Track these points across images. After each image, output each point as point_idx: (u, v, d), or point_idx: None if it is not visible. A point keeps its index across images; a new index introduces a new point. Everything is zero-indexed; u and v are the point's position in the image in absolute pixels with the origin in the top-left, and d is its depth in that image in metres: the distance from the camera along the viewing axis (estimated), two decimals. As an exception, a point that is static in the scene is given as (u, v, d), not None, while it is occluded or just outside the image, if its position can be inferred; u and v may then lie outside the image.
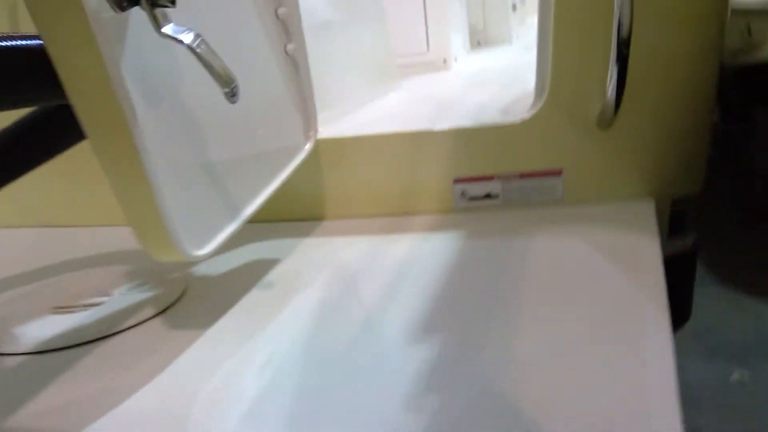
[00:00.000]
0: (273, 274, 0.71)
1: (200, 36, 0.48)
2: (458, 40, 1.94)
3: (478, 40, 2.40)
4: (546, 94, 0.79)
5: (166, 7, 0.47)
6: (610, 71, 0.72)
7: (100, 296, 0.68)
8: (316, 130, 0.80)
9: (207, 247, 0.55)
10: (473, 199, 0.85)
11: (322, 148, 0.86)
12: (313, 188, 0.88)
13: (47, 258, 0.85)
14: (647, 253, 0.67)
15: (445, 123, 0.88)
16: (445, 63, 1.85)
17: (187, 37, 0.48)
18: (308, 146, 0.79)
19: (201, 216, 0.55)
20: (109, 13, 0.44)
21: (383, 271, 0.68)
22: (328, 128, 0.91)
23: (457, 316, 0.57)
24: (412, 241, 0.77)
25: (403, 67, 1.85)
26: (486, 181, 0.84)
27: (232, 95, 0.62)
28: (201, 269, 0.74)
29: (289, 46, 0.76)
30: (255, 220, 0.88)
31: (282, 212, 0.90)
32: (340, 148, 0.86)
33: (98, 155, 0.47)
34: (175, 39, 0.47)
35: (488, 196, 0.85)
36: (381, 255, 0.74)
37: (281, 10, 0.74)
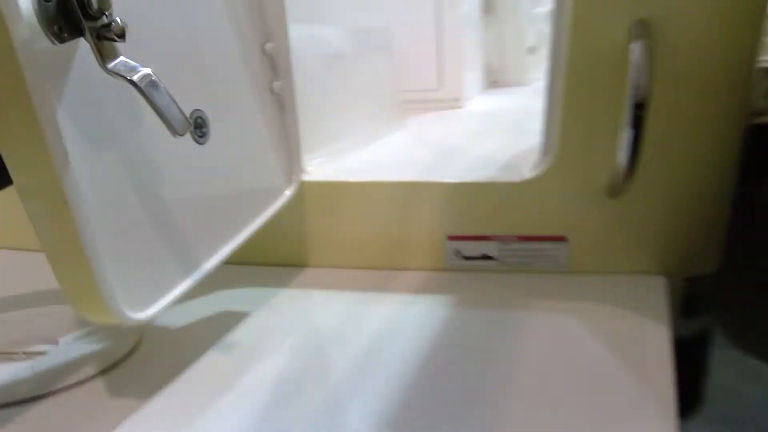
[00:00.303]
0: (237, 333, 0.64)
1: (152, 75, 0.42)
2: (472, 79, 1.89)
3: (494, 80, 2.36)
4: (552, 155, 0.73)
5: (114, 41, 0.41)
6: (622, 135, 0.65)
7: (44, 343, 0.61)
8: (299, 174, 0.74)
9: (150, 309, 0.48)
10: (468, 258, 0.78)
11: (309, 191, 0.80)
12: (297, 232, 0.82)
13: None
14: (655, 337, 0.60)
15: (441, 174, 0.82)
16: (456, 101, 1.79)
17: (138, 75, 0.41)
18: (289, 191, 0.72)
19: (146, 273, 0.49)
20: (44, 44, 0.38)
21: (358, 342, 0.61)
22: (320, 169, 0.85)
23: (434, 412, 0.50)
24: (395, 304, 0.70)
25: (413, 103, 1.80)
26: (482, 240, 0.77)
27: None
28: (161, 317, 0.68)
29: (276, 84, 0.70)
30: (232, 261, 0.81)
31: (262, 255, 0.83)
32: (327, 193, 0.80)
33: (22, 201, 0.41)
34: (123, 77, 0.41)
35: (484, 257, 0.78)
36: (359, 319, 0.66)
37: (269, 46, 0.69)
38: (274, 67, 0.70)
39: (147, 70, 0.42)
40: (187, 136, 0.55)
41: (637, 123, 0.65)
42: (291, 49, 0.89)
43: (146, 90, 0.42)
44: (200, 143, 0.57)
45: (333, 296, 0.73)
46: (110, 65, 0.41)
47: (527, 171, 0.76)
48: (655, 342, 0.60)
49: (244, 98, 0.65)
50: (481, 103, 1.88)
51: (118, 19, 0.41)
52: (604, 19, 0.67)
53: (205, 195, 0.57)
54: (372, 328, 0.64)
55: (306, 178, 0.80)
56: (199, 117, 0.57)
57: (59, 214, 0.40)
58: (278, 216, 0.72)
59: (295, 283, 0.77)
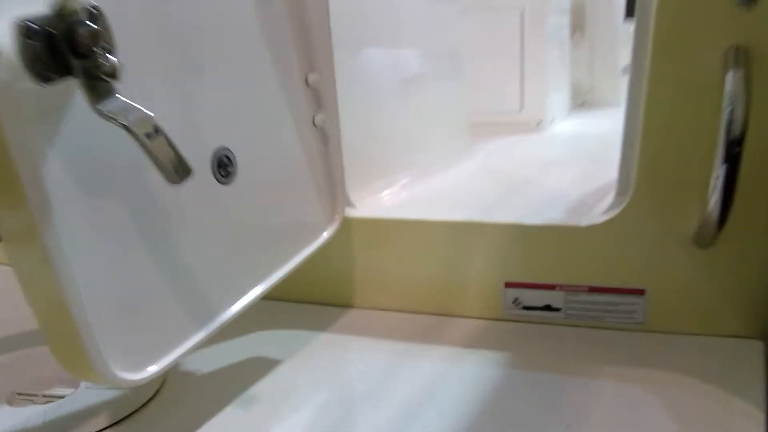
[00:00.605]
0: (263, 385, 0.59)
1: (151, 119, 0.38)
2: (557, 100, 1.78)
3: (583, 102, 2.22)
4: (629, 196, 0.63)
5: (106, 81, 0.37)
6: (714, 176, 0.55)
7: (66, 386, 0.59)
8: (342, 213, 0.69)
9: (150, 369, 0.44)
10: (528, 308, 0.70)
11: (357, 227, 0.75)
12: (342, 271, 0.76)
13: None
14: (748, 415, 0.50)
15: (503, 213, 0.74)
16: (538, 125, 1.69)
17: (133, 120, 0.38)
18: (328, 233, 0.67)
19: (146, 330, 0.45)
20: (26, 85, 0.35)
21: (392, 405, 0.55)
22: (372, 204, 0.80)
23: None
24: (440, 360, 0.62)
25: (493, 126, 1.72)
26: (546, 289, 0.68)
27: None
28: (188, 360, 0.64)
29: (318, 117, 0.65)
30: (274, 296, 0.77)
31: (305, 292, 0.79)
32: (375, 230, 0.74)
33: (7, 255, 0.38)
34: (116, 121, 0.37)
35: (547, 308, 0.69)
36: (398, 376, 0.60)
37: (312, 77, 0.64)
38: (317, 99, 0.65)
39: (145, 114, 0.38)
40: (208, 177, 0.51)
41: (733, 162, 0.54)
42: (365, 73, 0.85)
43: (141, 137, 0.38)
44: (224, 183, 0.53)
45: (373, 345, 0.67)
46: (103, 107, 0.37)
47: (600, 213, 0.67)
48: (748, 416, 0.49)
49: (282, 133, 0.61)
50: (566, 126, 1.76)
51: (110, 57, 0.37)
52: (693, 43, 0.57)
53: (227, 239, 0.53)
54: (410, 389, 0.57)
55: (354, 214, 0.75)
56: (225, 155, 0.53)
57: (40, 269, 0.37)
58: (324, 253, 0.67)
59: (335, 327, 0.71)
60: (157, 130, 0.39)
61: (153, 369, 0.44)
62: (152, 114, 0.39)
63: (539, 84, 1.68)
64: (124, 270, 0.43)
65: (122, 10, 0.41)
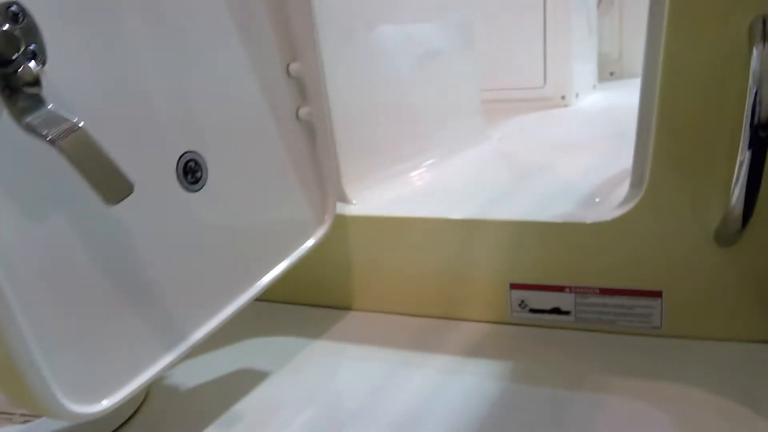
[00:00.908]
0: (250, 401, 0.56)
1: (79, 130, 0.34)
2: (583, 72, 1.69)
3: (612, 72, 2.12)
4: (644, 188, 0.57)
5: (31, 92, 0.33)
6: (738, 166, 0.49)
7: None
8: (333, 213, 0.64)
9: (109, 400, 0.41)
10: (536, 311, 0.65)
11: (354, 226, 0.70)
12: (339, 272, 0.72)
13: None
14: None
15: (510, 207, 0.69)
16: (563, 99, 1.61)
17: (57, 133, 0.34)
18: (319, 233, 0.63)
19: (103, 356, 0.42)
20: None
21: (385, 425, 0.51)
22: (371, 199, 0.75)
23: None
24: (439, 371, 0.58)
25: (516, 102, 1.64)
26: (554, 291, 0.63)
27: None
28: (174, 371, 0.61)
29: (303, 110, 0.61)
30: (269, 298, 0.74)
31: (302, 294, 0.75)
32: (373, 229, 0.70)
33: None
34: (37, 134, 0.34)
35: (556, 311, 0.64)
36: (392, 389, 0.56)
37: (294, 66, 0.60)
38: (301, 90, 0.61)
39: (72, 125, 0.34)
40: (171, 187, 0.47)
41: (759, 148, 0.48)
42: (363, 55, 0.80)
43: (70, 151, 0.34)
44: (192, 190, 0.49)
45: (368, 354, 0.63)
46: (28, 119, 0.34)
47: (613, 207, 0.61)
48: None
49: (260, 129, 0.57)
50: (593, 100, 1.68)
51: (31, 65, 0.33)
52: (714, 13, 0.50)
53: (199, 250, 0.50)
54: (404, 405, 0.53)
55: (350, 211, 0.71)
56: (192, 160, 0.49)
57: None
58: (320, 253, 0.63)
59: (330, 333, 0.68)
60: (86, 144, 0.35)
61: (114, 398, 0.41)
62: (82, 124, 0.35)
63: (563, 57, 1.59)
64: (72, 293, 0.39)
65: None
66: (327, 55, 0.70)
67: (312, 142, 0.62)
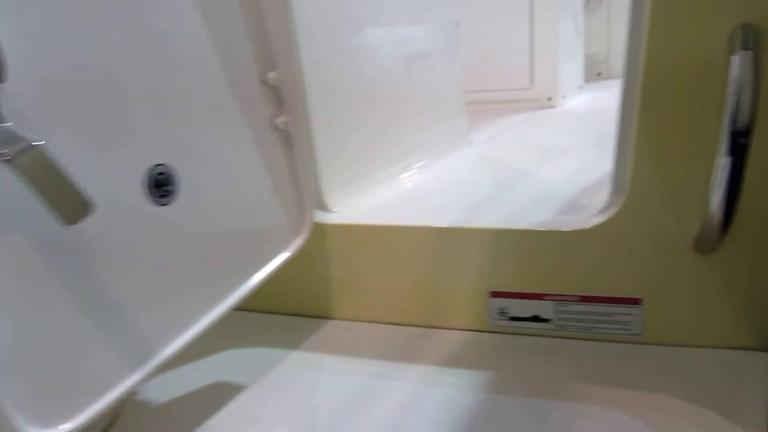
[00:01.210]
0: (224, 415, 0.55)
1: (36, 150, 0.33)
2: (571, 73, 1.69)
3: (599, 72, 2.12)
4: (624, 196, 0.57)
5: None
6: (716, 172, 0.49)
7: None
8: (311, 223, 0.64)
9: (71, 422, 0.40)
10: (516, 319, 0.64)
11: (334, 235, 0.70)
12: (319, 280, 0.72)
13: None
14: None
15: (490, 214, 0.68)
16: (549, 101, 1.61)
17: (13, 149, 0.33)
18: (296, 245, 0.62)
19: (64, 377, 0.40)
20: None
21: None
22: (352, 206, 0.75)
23: None
24: (417, 382, 0.57)
25: (503, 104, 1.64)
26: (534, 299, 0.63)
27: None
28: (147, 385, 0.60)
29: (280, 119, 0.60)
30: (249, 307, 0.73)
31: (281, 303, 0.74)
32: (353, 237, 0.69)
33: None
34: (-9, 153, 0.33)
35: (536, 318, 0.63)
36: (369, 403, 0.55)
37: (272, 75, 0.59)
38: (279, 99, 0.60)
39: (26, 144, 0.33)
40: (139, 201, 0.46)
41: (738, 155, 0.48)
42: (365, 54, 0.79)
43: (26, 171, 0.33)
44: (163, 204, 0.48)
45: (346, 365, 0.62)
46: (-19, 138, 0.33)
47: (593, 214, 0.61)
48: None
49: (235, 141, 0.56)
50: (579, 101, 1.68)
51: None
52: (694, 22, 0.50)
53: (169, 265, 0.49)
54: (380, 419, 0.52)
55: (330, 220, 0.70)
56: (162, 173, 0.48)
57: None
58: (300, 262, 0.63)
59: (309, 343, 0.67)
60: (46, 162, 0.34)
61: (73, 424, 0.40)
62: (39, 143, 0.34)
63: (549, 58, 1.59)
64: (31, 310, 0.38)
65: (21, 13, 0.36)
66: (307, 60, 0.69)
67: (289, 151, 0.62)
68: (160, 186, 0.48)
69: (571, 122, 1.38)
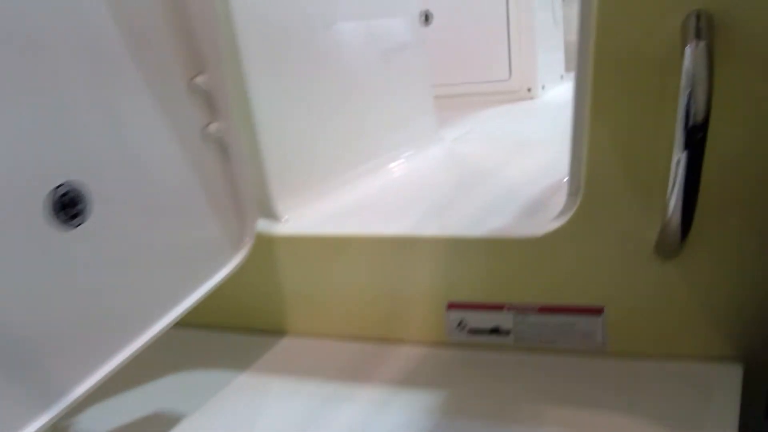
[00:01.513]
0: (159, 447, 0.52)
1: None
2: (550, 63, 1.64)
3: (580, 61, 2.07)
4: (579, 199, 0.53)
5: None
6: (673, 171, 0.45)
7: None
8: (252, 235, 0.60)
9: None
10: (474, 332, 0.60)
11: (282, 246, 0.66)
12: (270, 294, 0.68)
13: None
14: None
15: (446, 223, 0.64)
16: (529, 92, 1.57)
17: None
18: (235, 261, 0.58)
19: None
20: None
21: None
22: (304, 216, 0.71)
23: None
24: (368, 405, 0.54)
25: (482, 96, 1.60)
26: (493, 310, 0.59)
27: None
28: (80, 416, 0.56)
29: (213, 126, 0.56)
30: (195, 324, 0.69)
31: (231, 319, 0.71)
32: (303, 248, 0.65)
33: None
34: None
35: (495, 331, 0.60)
36: (319, 425, 0.51)
37: (201, 79, 0.55)
38: (210, 105, 0.56)
39: None
40: (39, 227, 0.42)
41: (694, 151, 0.44)
42: (320, 51, 0.75)
43: None
44: (70, 227, 0.44)
45: (294, 387, 0.58)
46: None
47: (551, 218, 0.57)
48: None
49: (159, 152, 0.52)
50: (560, 92, 1.63)
51: None
52: (644, 10, 0.46)
53: (82, 293, 0.45)
54: (324, 447, 0.49)
55: (279, 230, 0.66)
56: (69, 193, 0.44)
57: None
58: (248, 275, 0.59)
59: (259, 363, 0.63)
60: None
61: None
62: None
63: (528, 49, 1.55)
64: None
65: None
66: (251, 58, 0.65)
67: (224, 160, 0.58)
68: (68, 207, 0.44)
69: (549, 114, 1.34)
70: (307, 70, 0.76)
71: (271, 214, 0.69)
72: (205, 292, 0.54)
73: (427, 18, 1.61)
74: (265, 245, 0.65)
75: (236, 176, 0.59)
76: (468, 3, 1.57)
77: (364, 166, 0.86)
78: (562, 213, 0.56)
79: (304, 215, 0.71)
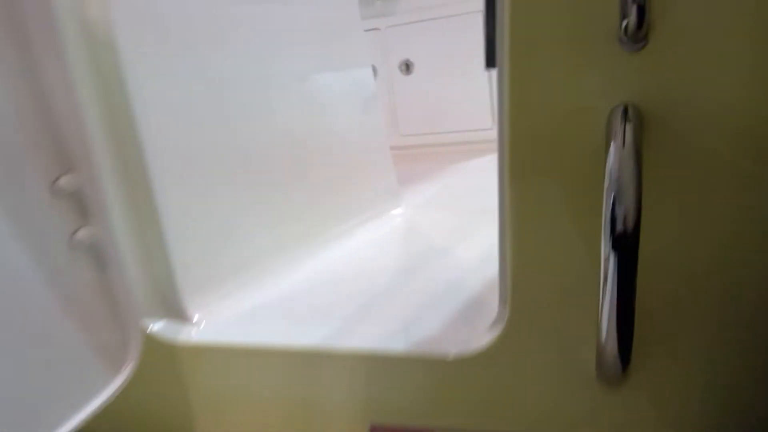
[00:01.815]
0: None
1: None
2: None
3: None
4: (507, 312, 0.44)
5: None
6: (601, 288, 0.36)
7: None
8: (137, 354, 0.51)
9: None
10: (401, 460, 0.51)
11: (187, 355, 0.57)
12: (176, 408, 0.59)
13: None
14: None
15: (369, 330, 0.55)
16: (512, 141, 1.49)
17: None
18: (114, 386, 0.50)
19: None
20: None
21: None
22: (218, 315, 0.62)
23: None
24: None
25: (466, 145, 1.53)
26: (420, 436, 0.50)
27: None
28: None
29: (83, 232, 0.48)
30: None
31: (140, 428, 0.61)
32: (209, 357, 0.57)
33: None
34: None
35: (424, 460, 0.50)
36: None
37: (66, 179, 0.47)
38: (80, 207, 0.48)
39: None
40: None
41: (624, 264, 0.36)
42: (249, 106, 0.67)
43: None
44: None
45: None
46: None
47: (484, 329, 0.48)
48: None
49: (11, 266, 0.44)
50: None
51: None
52: (562, 99, 0.39)
53: None
54: None
55: (183, 338, 0.58)
56: None
57: None
58: (152, 388, 0.52)
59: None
60: None
61: None
62: None
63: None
64: None
65: None
66: (149, 129, 0.57)
67: (99, 270, 0.50)
68: None
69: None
70: (223, 140, 0.67)
71: (179, 314, 0.60)
72: (84, 418, 0.46)
73: (408, 67, 1.56)
74: (167, 353, 0.56)
75: (114, 287, 0.50)
76: (446, 52, 1.52)
77: (295, 251, 0.76)
78: (494, 324, 0.47)
79: (218, 314, 0.62)
